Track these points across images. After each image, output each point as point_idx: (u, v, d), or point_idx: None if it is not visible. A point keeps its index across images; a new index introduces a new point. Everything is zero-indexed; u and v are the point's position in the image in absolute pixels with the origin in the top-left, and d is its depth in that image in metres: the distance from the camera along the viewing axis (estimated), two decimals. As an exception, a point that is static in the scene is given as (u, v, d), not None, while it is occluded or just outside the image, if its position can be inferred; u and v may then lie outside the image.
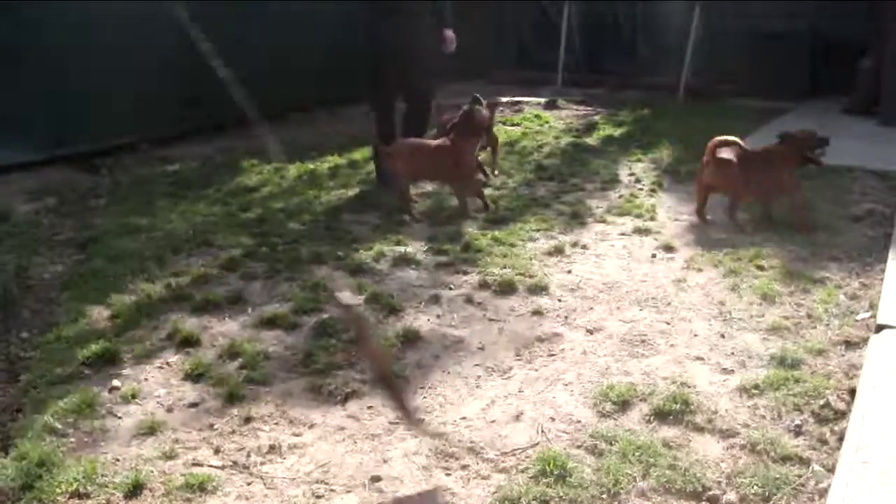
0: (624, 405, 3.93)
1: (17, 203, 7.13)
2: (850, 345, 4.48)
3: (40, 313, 5.02)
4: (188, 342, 4.57)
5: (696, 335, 4.64)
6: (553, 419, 3.85)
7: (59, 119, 8.35)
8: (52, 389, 4.11)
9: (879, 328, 4.45)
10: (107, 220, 6.67)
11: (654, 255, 5.89)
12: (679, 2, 13.39)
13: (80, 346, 4.49)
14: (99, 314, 4.96)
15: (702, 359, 4.38)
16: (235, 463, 3.59)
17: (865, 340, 4.43)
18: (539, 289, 5.28)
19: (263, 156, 8.60)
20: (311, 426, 3.86)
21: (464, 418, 3.89)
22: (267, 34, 10.28)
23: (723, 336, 4.63)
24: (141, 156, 8.84)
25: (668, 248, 5.98)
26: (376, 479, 3.46)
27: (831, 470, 3.36)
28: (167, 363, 4.39)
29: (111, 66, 8.72)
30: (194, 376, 4.24)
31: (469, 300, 5.12)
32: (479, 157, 7.26)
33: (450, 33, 7.43)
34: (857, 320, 4.76)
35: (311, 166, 8.45)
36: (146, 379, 4.24)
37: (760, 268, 5.57)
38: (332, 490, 3.41)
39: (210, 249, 5.99)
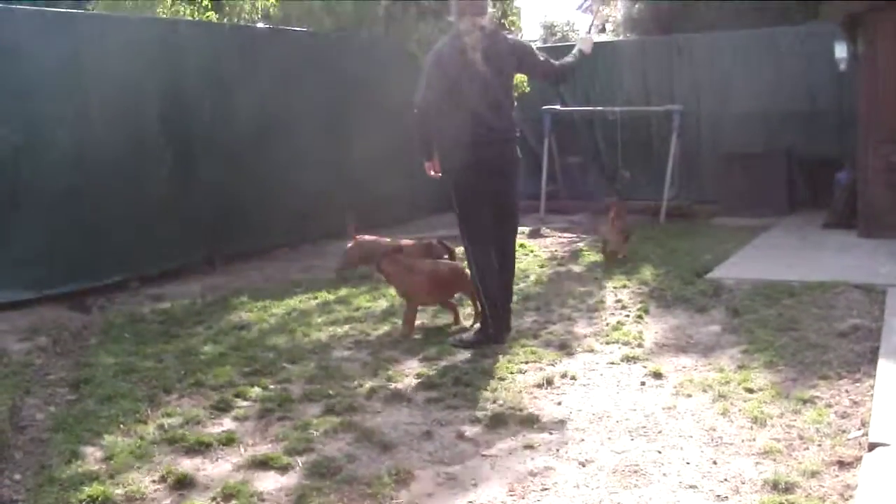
0: (619, 538, 3.92)
1: (9, 342, 7.17)
2: (843, 465, 4.45)
3: (33, 455, 4.99)
4: (182, 484, 4.54)
5: (688, 463, 4.64)
6: (549, 555, 3.84)
7: (49, 257, 8.46)
8: (46, 534, 4.09)
9: (872, 446, 4.45)
10: (99, 359, 6.68)
11: (643, 383, 5.91)
12: (658, 126, 13.80)
13: (74, 489, 4.45)
14: (92, 455, 4.94)
15: (695, 486, 4.36)
16: None
17: (859, 459, 4.42)
18: (529, 422, 5.27)
19: (251, 294, 8.71)
20: (307, 569, 3.84)
21: (459, 557, 3.87)
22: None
23: (715, 462, 4.62)
24: (132, 294, 8.92)
25: (657, 375, 6.00)
26: None
27: None
28: (161, 506, 4.37)
29: (101, 205, 8.90)
30: (189, 519, 4.21)
31: (460, 436, 5.10)
32: None
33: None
34: (849, 439, 4.74)
35: (300, 302, 8.54)
36: (140, 523, 4.22)
37: (749, 390, 5.59)
38: None
39: (202, 389, 5.99)
